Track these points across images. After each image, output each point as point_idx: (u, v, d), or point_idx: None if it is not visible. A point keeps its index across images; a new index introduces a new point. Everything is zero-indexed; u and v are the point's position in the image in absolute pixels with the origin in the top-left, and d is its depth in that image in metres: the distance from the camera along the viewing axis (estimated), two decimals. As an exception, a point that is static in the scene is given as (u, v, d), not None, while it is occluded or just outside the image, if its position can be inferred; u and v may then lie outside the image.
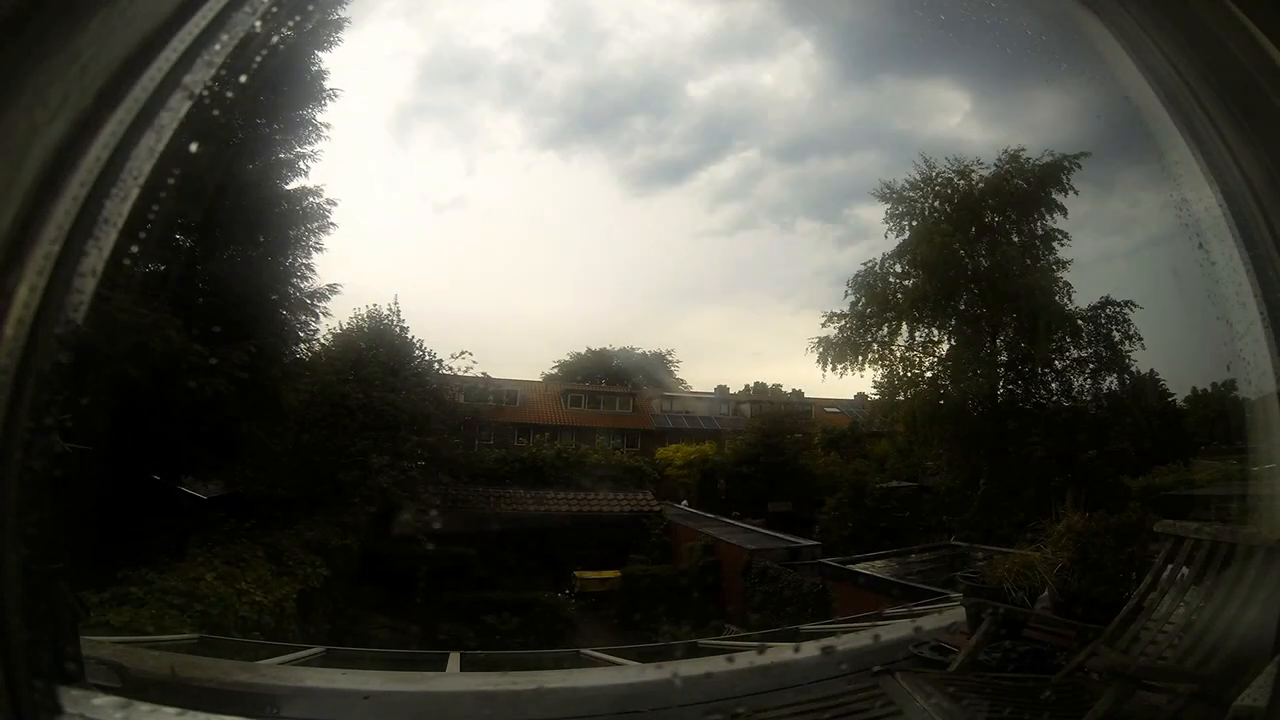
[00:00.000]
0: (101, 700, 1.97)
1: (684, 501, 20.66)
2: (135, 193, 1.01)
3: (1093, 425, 16.71)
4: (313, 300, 12.48)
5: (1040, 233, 17.61)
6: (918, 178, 18.24)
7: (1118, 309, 17.02)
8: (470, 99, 36.60)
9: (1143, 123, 1.65)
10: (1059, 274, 17.49)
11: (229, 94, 1.12)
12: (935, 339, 18.95)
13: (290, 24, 1.29)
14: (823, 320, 19.36)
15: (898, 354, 19.06)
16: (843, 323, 19.15)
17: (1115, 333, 17.01)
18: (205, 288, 10.20)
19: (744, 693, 3.54)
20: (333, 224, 12.25)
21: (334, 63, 11.58)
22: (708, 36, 32.05)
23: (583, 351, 32.20)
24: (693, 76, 36.52)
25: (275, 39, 1.21)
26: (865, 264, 18.97)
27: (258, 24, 1.13)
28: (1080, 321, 17.26)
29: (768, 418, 25.18)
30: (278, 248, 11.55)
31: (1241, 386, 1.70)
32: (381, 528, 13.79)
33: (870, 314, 18.83)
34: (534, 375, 29.45)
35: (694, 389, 32.64)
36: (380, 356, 15.45)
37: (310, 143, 11.74)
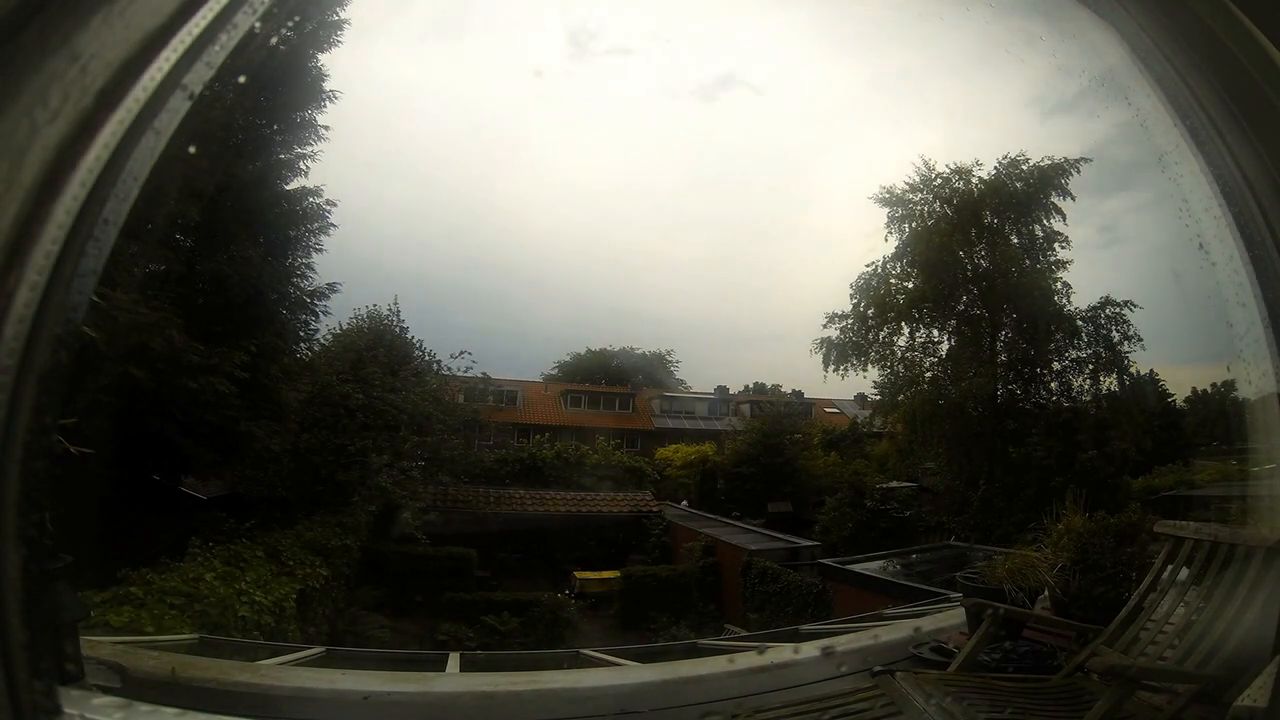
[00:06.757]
0: (101, 700, 1.97)
1: (684, 502, 20.64)
2: (135, 193, 1.01)
3: (1093, 425, 16.71)
4: (313, 300, 12.52)
5: (1040, 234, 17.65)
6: (917, 180, 18.31)
7: (1117, 309, 17.05)
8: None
9: (1143, 123, 1.65)
10: (1058, 274, 17.55)
11: (229, 94, 1.13)
12: (935, 339, 19.01)
13: (290, 24, 1.29)
14: (824, 322, 19.45)
15: (898, 354, 19.13)
16: (844, 324, 19.21)
17: (1115, 333, 17.04)
18: (205, 288, 10.21)
19: (744, 693, 3.52)
20: (333, 224, 12.30)
21: (335, 63, 11.59)
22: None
23: (583, 352, 32.19)
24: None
25: (275, 39, 1.21)
26: (868, 265, 19.05)
27: (258, 24, 1.13)
28: (1080, 322, 17.28)
29: (768, 418, 25.15)
30: (278, 248, 11.57)
31: (1241, 386, 1.70)
32: (381, 528, 13.79)
33: (871, 315, 18.87)
34: (534, 375, 29.44)
35: (694, 389, 32.63)
36: (380, 356, 15.44)
37: (310, 144, 11.77)
